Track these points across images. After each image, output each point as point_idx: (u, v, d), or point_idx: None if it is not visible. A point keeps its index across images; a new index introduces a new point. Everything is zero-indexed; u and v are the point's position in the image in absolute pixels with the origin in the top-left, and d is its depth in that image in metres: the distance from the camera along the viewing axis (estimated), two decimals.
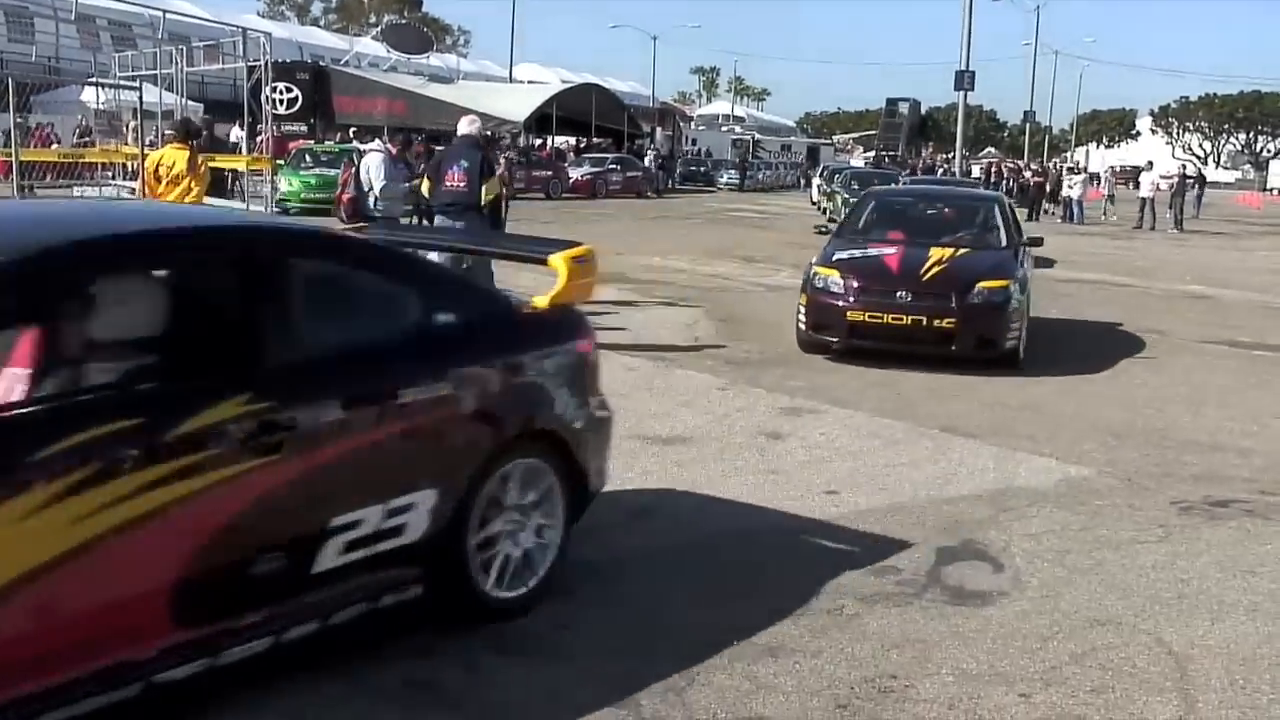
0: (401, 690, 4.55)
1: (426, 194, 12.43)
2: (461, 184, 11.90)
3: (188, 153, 11.05)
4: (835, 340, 11.76)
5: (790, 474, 7.72)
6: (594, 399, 5.75)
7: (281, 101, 45.12)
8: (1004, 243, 12.99)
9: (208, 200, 12.63)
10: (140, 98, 11.66)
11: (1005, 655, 5.07)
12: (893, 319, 11.47)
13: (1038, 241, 13.79)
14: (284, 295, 4.61)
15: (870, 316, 11.51)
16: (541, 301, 5.72)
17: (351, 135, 40.14)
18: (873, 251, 12.55)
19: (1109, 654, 5.12)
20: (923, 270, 11.86)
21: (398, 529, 4.69)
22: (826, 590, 5.73)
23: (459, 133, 12.81)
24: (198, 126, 11.82)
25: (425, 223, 13.11)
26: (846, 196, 29.45)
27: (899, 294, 11.56)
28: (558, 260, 5.78)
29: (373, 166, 12.46)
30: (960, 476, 7.86)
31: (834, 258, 12.24)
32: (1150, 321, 15.82)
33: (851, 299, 11.62)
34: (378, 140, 13.13)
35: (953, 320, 11.36)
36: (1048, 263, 17.21)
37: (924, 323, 11.39)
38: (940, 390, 10.66)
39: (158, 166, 11.08)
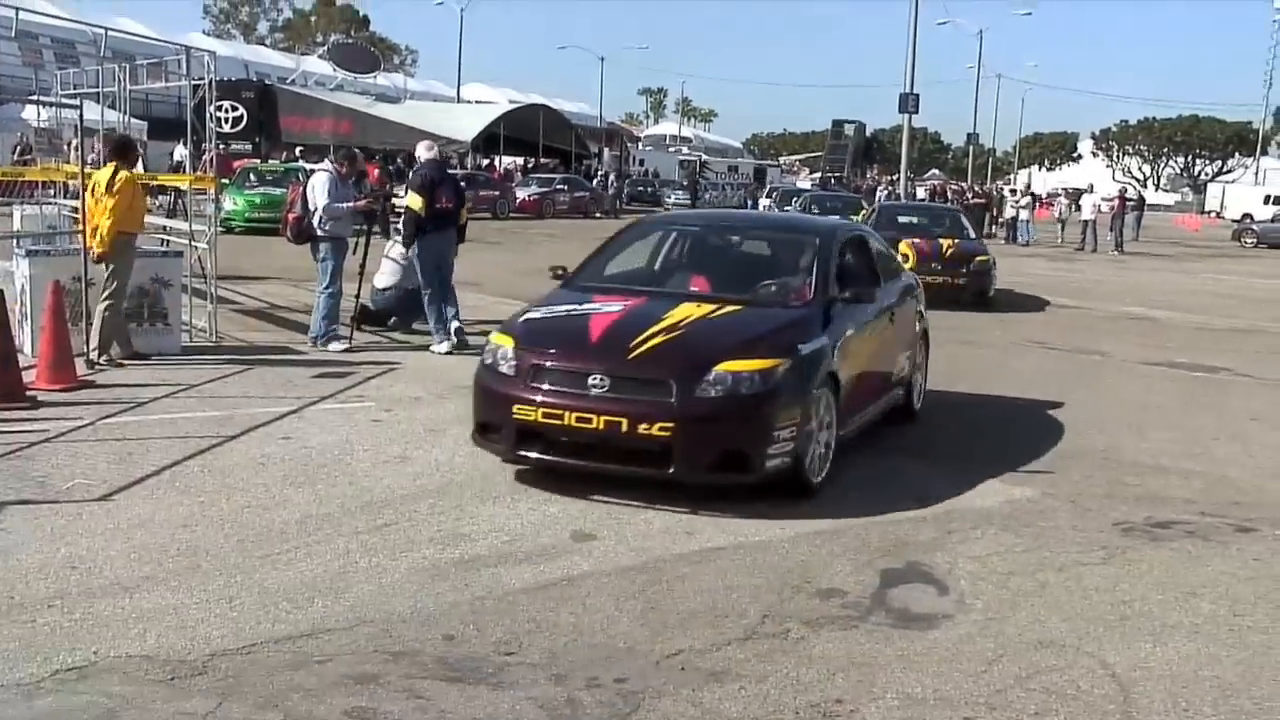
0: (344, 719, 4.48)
1: (420, 211, 12.53)
2: (450, 205, 12.75)
3: (109, 171, 10.90)
4: (501, 447, 7.77)
5: (735, 496, 7.67)
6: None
7: (227, 120, 44.76)
8: (809, 295, 8.48)
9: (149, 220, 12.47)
10: (80, 115, 11.44)
11: (950, 679, 5.07)
12: (577, 420, 7.34)
13: (864, 296, 8.99)
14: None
15: (546, 415, 7.41)
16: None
17: (298, 154, 39.96)
18: (585, 308, 8.30)
19: (1053, 677, 5.13)
20: (635, 341, 7.59)
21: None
22: (772, 613, 5.72)
23: (423, 157, 13.11)
24: (121, 142, 11.60)
25: (371, 241, 13.03)
26: None
27: (591, 379, 7.43)
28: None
29: (317, 186, 12.35)
30: (905, 498, 7.87)
31: (523, 318, 8.37)
32: (1092, 343, 16.00)
33: (523, 386, 7.56)
34: (327, 160, 12.99)
35: (668, 425, 7.17)
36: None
37: (622, 428, 7.24)
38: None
39: (93, 185, 10.92)
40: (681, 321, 7.77)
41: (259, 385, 10.47)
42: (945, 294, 17.89)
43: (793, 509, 7.40)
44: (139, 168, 16.32)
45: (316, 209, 12.17)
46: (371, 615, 5.46)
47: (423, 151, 13.27)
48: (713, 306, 8.05)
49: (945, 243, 20.18)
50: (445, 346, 12.63)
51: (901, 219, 22.88)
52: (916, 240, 19.99)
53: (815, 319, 8.10)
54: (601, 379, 7.31)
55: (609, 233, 10.20)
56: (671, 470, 7.15)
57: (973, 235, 22.01)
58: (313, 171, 12.73)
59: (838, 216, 29.35)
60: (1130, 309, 20.96)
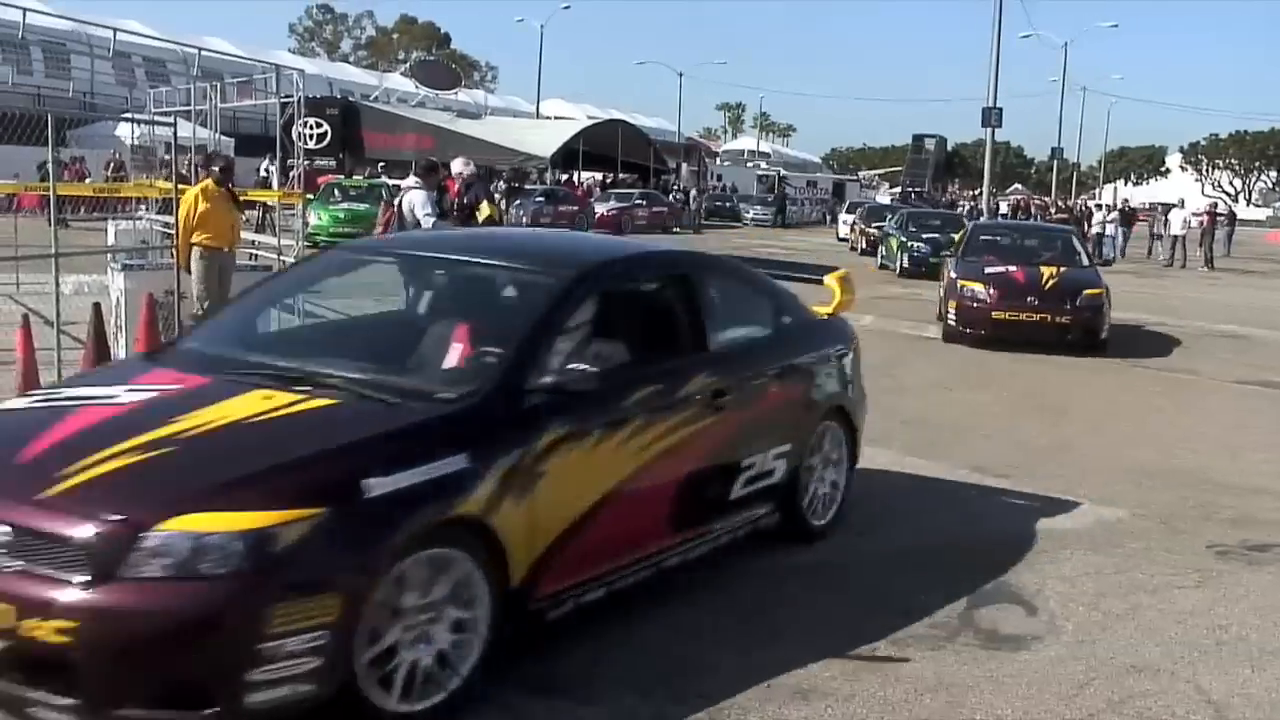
0: None
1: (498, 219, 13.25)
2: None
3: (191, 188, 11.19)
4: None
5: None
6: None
7: (311, 136, 45.45)
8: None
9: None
10: (175, 133, 11.72)
11: (1040, 701, 5.02)
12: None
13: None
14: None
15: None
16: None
17: (380, 170, 40.49)
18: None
19: (1147, 701, 5.06)
20: (79, 464, 5.16)
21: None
22: (859, 632, 5.68)
23: (466, 172, 13.44)
24: (221, 160, 11.83)
25: None
26: (905, 240, 28.74)
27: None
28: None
29: (418, 204, 12.32)
30: (993, 517, 7.80)
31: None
32: (1182, 361, 15.74)
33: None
34: (412, 177, 13.02)
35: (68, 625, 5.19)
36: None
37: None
38: (971, 429, 10.61)
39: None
40: (195, 429, 4.72)
41: None
42: (1045, 334, 15.63)
43: (880, 528, 7.36)
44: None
45: (418, 226, 12.21)
46: None
47: (458, 166, 13.56)
48: (295, 398, 4.95)
49: (1046, 272, 16.56)
50: None
51: (996, 241, 19.02)
52: (1010, 268, 16.68)
53: (460, 423, 4.95)
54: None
55: (687, 248, 10.02)
56: (73, 701, 4.13)
57: (1086, 262, 18.04)
58: (398, 189, 12.77)
59: (935, 235, 28.80)
60: (1221, 326, 20.56)
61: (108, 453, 4.52)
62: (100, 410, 5.01)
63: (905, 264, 28.08)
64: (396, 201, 12.39)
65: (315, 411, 4.88)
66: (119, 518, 4.17)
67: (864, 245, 37.03)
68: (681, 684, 5.02)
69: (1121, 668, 5.41)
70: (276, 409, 4.86)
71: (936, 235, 28.27)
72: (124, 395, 5.15)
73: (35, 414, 5.16)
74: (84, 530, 4.15)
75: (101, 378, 6.12)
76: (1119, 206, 45.29)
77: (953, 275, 16.82)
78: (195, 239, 10.99)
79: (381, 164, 44.30)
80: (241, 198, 16.30)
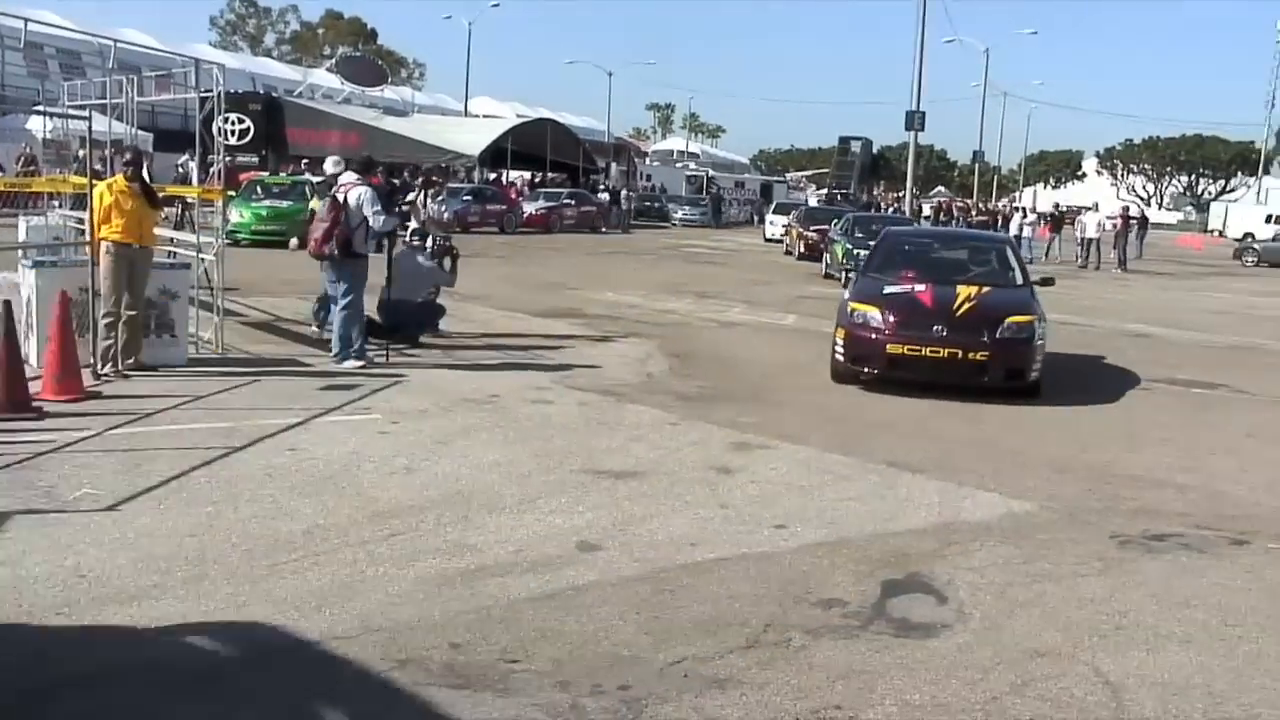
0: None
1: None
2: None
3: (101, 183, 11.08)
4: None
5: (740, 508, 7.80)
6: None
7: (233, 132, 44.77)
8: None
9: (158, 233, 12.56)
10: (90, 126, 11.54)
11: (947, 686, 5.17)
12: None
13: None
14: None
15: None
16: None
17: (304, 167, 40.12)
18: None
19: (1048, 684, 5.22)
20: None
21: None
22: (775, 623, 5.81)
23: (331, 171, 14.35)
24: (129, 154, 11.72)
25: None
26: (851, 249, 25.94)
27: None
28: None
29: (367, 201, 12.29)
30: (907, 511, 7.97)
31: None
32: (1093, 360, 16.10)
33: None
34: (350, 173, 12.93)
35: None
36: None
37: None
38: (890, 426, 10.80)
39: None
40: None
41: (265, 397, 10.58)
42: (952, 373, 12.29)
43: (797, 522, 7.51)
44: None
45: (363, 224, 12.26)
46: (379, 623, 5.55)
47: (329, 166, 14.42)
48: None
49: (963, 293, 12.98)
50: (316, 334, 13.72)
51: (913, 251, 15.38)
52: (917, 288, 13.20)
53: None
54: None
55: (617, 249, 10.24)
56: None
57: (1019, 280, 13.94)
58: (340, 185, 12.55)
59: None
60: (1130, 326, 21.05)
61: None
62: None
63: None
64: (342, 197, 12.26)
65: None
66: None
67: (802, 250, 35.29)
68: (601, 676, 5.11)
69: (1025, 652, 5.58)
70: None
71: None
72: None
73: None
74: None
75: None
76: (1050, 210, 45.89)
77: (845, 296, 13.52)
78: (104, 234, 10.84)
79: (305, 160, 43.87)
80: (160, 194, 16.12)
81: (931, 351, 12.25)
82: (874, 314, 12.62)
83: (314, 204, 14.29)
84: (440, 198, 19.42)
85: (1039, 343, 12.55)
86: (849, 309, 12.89)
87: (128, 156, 11.66)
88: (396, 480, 8.06)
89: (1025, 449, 10.12)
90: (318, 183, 16.30)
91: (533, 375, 12.40)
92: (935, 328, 12.35)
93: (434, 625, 5.57)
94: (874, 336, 12.47)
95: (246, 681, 4.87)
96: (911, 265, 14.30)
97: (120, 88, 14.88)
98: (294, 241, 15.10)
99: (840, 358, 12.81)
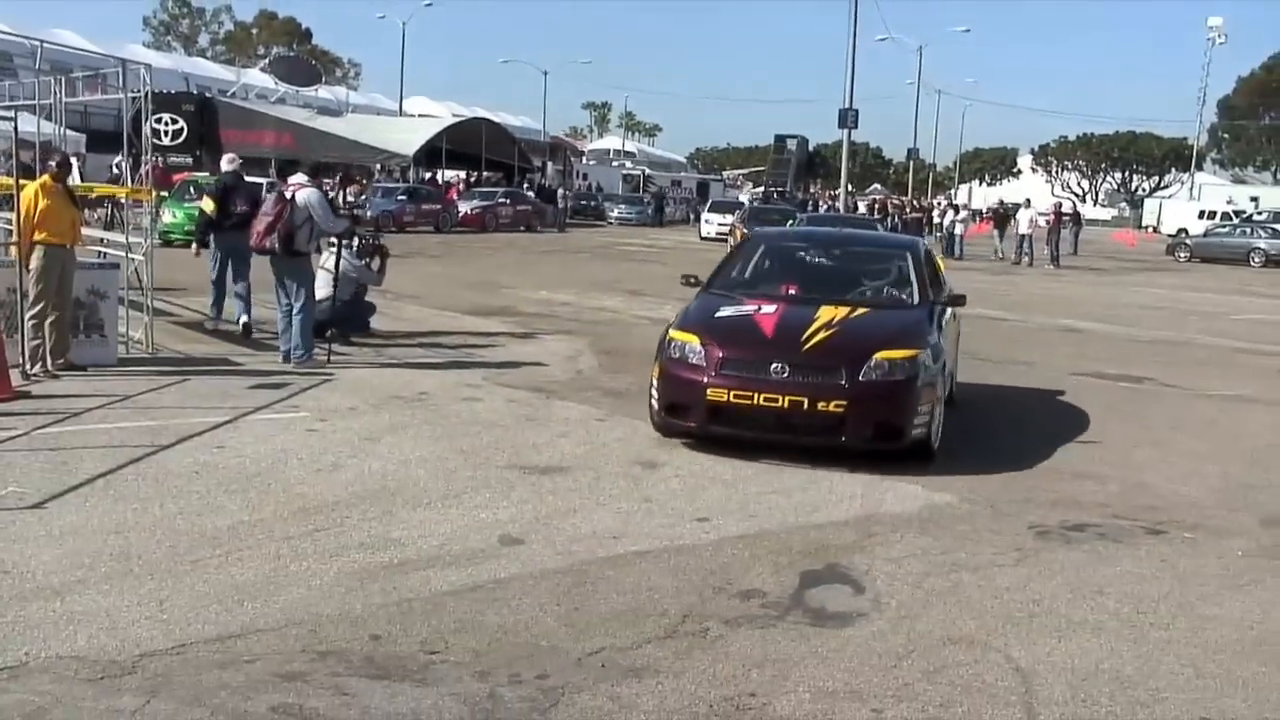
0: (270, 715, 4.60)
1: (211, 214, 14.70)
2: (244, 209, 14.33)
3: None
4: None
5: (663, 502, 7.89)
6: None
7: (167, 133, 44.51)
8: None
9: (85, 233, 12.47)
10: (15, 128, 11.42)
11: (860, 673, 5.27)
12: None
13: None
14: None
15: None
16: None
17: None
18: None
19: (959, 671, 5.34)
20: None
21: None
22: (693, 613, 5.89)
23: (225, 169, 15.56)
24: (58, 156, 11.65)
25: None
26: None
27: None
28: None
29: (315, 203, 12.45)
30: (829, 504, 8.08)
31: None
32: (1020, 354, 16.35)
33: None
34: (301, 174, 13.08)
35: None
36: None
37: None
38: None
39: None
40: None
41: (195, 396, 10.54)
42: (793, 428, 9.05)
43: (719, 515, 7.60)
44: (76, 178, 16.32)
45: (307, 224, 12.35)
46: (301, 616, 5.58)
47: (225, 164, 15.62)
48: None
49: (822, 316, 9.57)
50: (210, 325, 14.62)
51: (784, 257, 11.81)
52: (762, 308, 9.88)
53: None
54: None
55: (552, 247, 10.31)
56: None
57: (915, 298, 10.42)
58: (290, 186, 12.62)
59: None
60: (1061, 321, 21.39)
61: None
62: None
63: None
64: (289, 195, 12.32)
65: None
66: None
67: None
68: (520, 666, 5.16)
69: (939, 640, 5.70)
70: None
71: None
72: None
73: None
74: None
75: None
76: (994, 207, 46.31)
77: (670, 323, 10.16)
78: (36, 237, 10.76)
79: (239, 161, 43.54)
80: (91, 194, 15.99)
81: (767, 399, 8.95)
82: (694, 346, 9.28)
83: (205, 204, 14.90)
84: (362, 196, 19.65)
85: (922, 387, 9.09)
86: (668, 339, 9.63)
87: (57, 159, 11.57)
88: (323, 477, 8.07)
89: (946, 443, 10.23)
90: (212, 180, 16.78)
91: (463, 373, 12.43)
92: (774, 365, 9.08)
93: (355, 618, 5.60)
94: (694, 378, 9.17)
95: (165, 673, 4.87)
96: (773, 276, 11.16)
97: (49, 88, 14.74)
98: (195, 247, 15.44)
99: (655, 405, 9.56)
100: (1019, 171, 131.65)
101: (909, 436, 9.01)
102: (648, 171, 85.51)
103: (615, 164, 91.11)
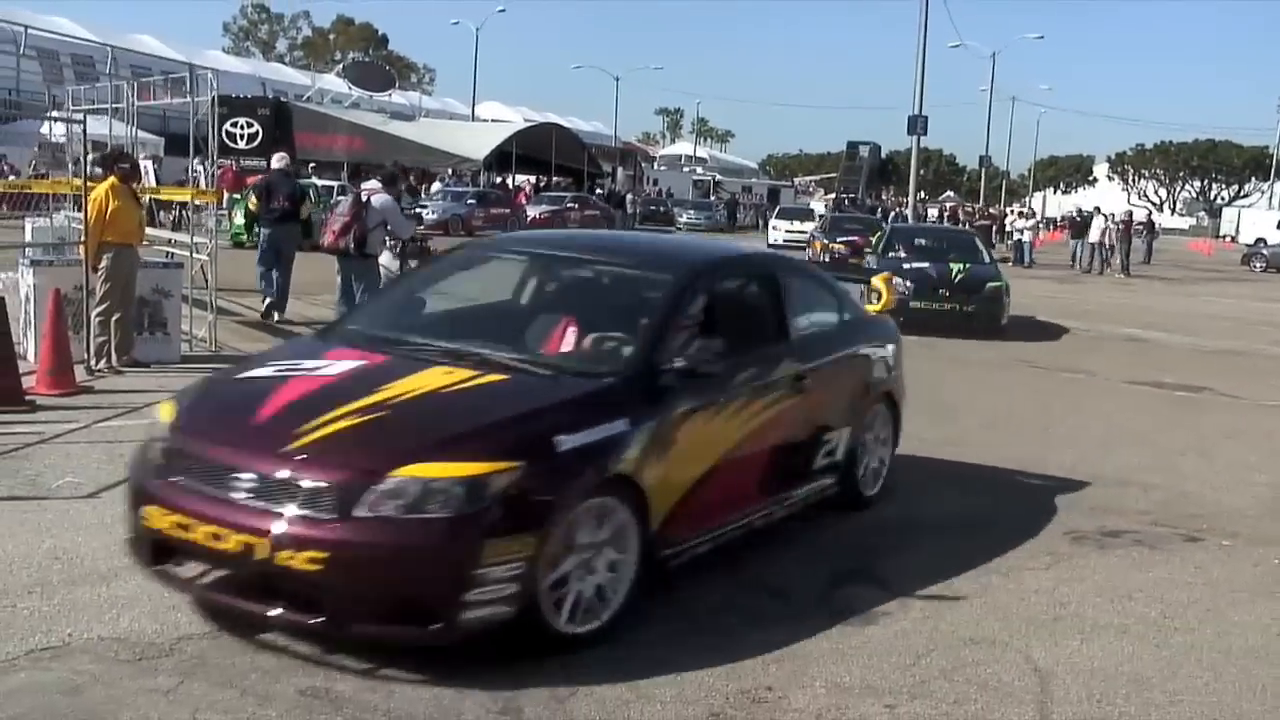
0: (298, 698, 4.77)
1: (255, 210, 16.81)
2: (287, 204, 16.18)
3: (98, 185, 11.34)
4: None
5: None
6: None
7: (242, 136, 45.29)
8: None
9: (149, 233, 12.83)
10: (84, 130, 11.76)
11: (879, 670, 5.35)
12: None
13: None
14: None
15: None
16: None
17: (310, 170, 40.43)
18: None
19: (977, 670, 5.40)
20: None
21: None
22: (721, 610, 5.99)
23: (272, 168, 17.52)
24: (106, 156, 12.06)
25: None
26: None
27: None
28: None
29: (391, 210, 13.09)
30: (870, 504, 8.13)
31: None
32: (1080, 362, 16.26)
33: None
34: (374, 180, 13.62)
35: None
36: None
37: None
38: None
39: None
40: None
41: None
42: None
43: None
44: (151, 180, 16.75)
45: (379, 228, 12.87)
46: None
47: (274, 162, 17.68)
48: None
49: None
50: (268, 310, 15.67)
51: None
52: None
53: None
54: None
55: None
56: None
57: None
58: (364, 193, 13.17)
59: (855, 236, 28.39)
60: (1126, 330, 21.19)
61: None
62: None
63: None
64: (365, 198, 12.91)
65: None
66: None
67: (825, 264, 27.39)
68: (541, 656, 5.27)
69: (960, 640, 5.76)
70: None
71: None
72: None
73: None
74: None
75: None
76: (1072, 214, 45.63)
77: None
78: (105, 237, 11.10)
79: (312, 164, 44.21)
80: (158, 195, 16.42)
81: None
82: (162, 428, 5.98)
83: (250, 201, 17.37)
84: (414, 202, 20.80)
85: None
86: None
87: (126, 164, 11.91)
88: None
89: (995, 445, 10.28)
90: (259, 181, 17.99)
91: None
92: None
93: None
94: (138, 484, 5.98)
95: (200, 656, 5.06)
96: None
97: (121, 93, 15.15)
98: (252, 199, 17.38)
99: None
100: (1095, 179, 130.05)
101: (458, 622, 5.04)
102: (718, 177, 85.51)
103: (686, 170, 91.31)
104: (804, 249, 33.38)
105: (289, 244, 16.09)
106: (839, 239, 30.20)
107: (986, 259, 20.75)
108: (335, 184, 35.57)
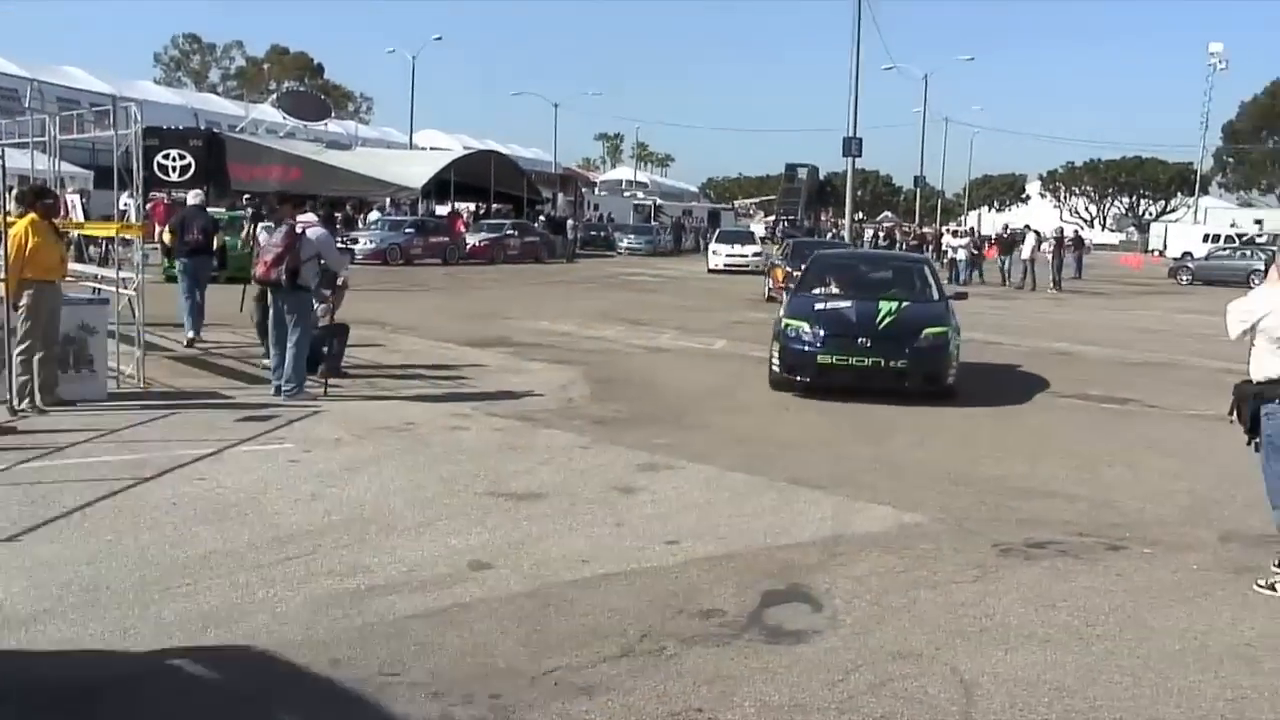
0: None
1: (171, 244, 17.97)
2: (200, 238, 17.34)
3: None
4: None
5: (635, 526, 8.01)
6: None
7: (174, 169, 44.99)
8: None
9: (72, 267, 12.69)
10: (3, 164, 11.56)
11: (807, 688, 5.38)
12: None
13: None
14: None
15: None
16: None
17: (244, 202, 40.14)
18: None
19: (904, 684, 5.45)
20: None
21: None
22: (651, 633, 6.01)
23: (191, 203, 18.87)
24: (35, 191, 11.94)
25: None
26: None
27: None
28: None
29: (325, 243, 13.04)
30: (799, 525, 8.19)
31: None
32: (1010, 378, 16.44)
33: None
34: (310, 213, 13.60)
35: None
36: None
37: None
38: (797, 445, 11.06)
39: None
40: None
41: (181, 429, 10.70)
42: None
43: (689, 538, 7.73)
44: (78, 214, 16.53)
45: (313, 260, 12.73)
46: (264, 642, 5.71)
47: (190, 198, 19.20)
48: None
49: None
50: (190, 336, 16.65)
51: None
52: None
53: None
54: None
55: (559, 278, 10.48)
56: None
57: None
58: (299, 224, 12.94)
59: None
60: (1054, 344, 21.47)
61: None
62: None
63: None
64: (299, 230, 12.71)
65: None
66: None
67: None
68: (475, 686, 5.28)
69: (888, 655, 5.81)
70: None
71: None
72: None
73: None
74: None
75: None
76: (999, 232, 46.06)
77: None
78: (27, 274, 10.94)
79: (247, 196, 43.92)
80: (80, 231, 16.24)
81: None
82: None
83: (165, 235, 18.67)
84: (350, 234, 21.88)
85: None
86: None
87: (50, 199, 11.78)
88: (300, 506, 8.21)
89: (927, 463, 10.38)
90: (174, 216, 19.46)
91: (452, 404, 12.58)
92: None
93: (317, 642, 5.72)
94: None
95: (120, 701, 5.01)
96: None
97: (44, 126, 14.99)
98: (167, 233, 18.53)
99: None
100: (1028, 197, 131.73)
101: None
102: (659, 201, 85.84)
103: (627, 194, 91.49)
104: (760, 274, 33.06)
105: (204, 272, 17.30)
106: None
107: (935, 293, 15.63)
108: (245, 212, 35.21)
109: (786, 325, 14.21)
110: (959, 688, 5.43)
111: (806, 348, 13.87)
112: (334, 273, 13.76)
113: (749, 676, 5.50)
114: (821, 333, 13.92)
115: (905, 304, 14.82)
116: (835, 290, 15.48)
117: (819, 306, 14.63)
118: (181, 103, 65.57)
